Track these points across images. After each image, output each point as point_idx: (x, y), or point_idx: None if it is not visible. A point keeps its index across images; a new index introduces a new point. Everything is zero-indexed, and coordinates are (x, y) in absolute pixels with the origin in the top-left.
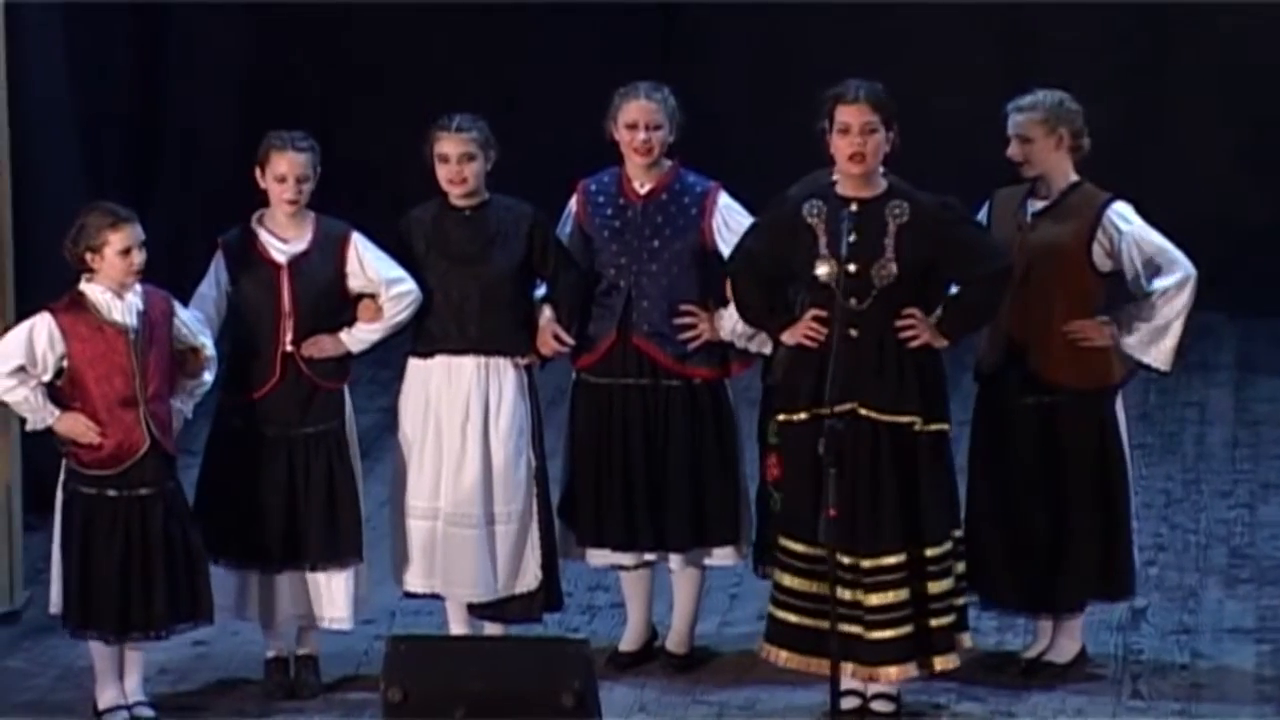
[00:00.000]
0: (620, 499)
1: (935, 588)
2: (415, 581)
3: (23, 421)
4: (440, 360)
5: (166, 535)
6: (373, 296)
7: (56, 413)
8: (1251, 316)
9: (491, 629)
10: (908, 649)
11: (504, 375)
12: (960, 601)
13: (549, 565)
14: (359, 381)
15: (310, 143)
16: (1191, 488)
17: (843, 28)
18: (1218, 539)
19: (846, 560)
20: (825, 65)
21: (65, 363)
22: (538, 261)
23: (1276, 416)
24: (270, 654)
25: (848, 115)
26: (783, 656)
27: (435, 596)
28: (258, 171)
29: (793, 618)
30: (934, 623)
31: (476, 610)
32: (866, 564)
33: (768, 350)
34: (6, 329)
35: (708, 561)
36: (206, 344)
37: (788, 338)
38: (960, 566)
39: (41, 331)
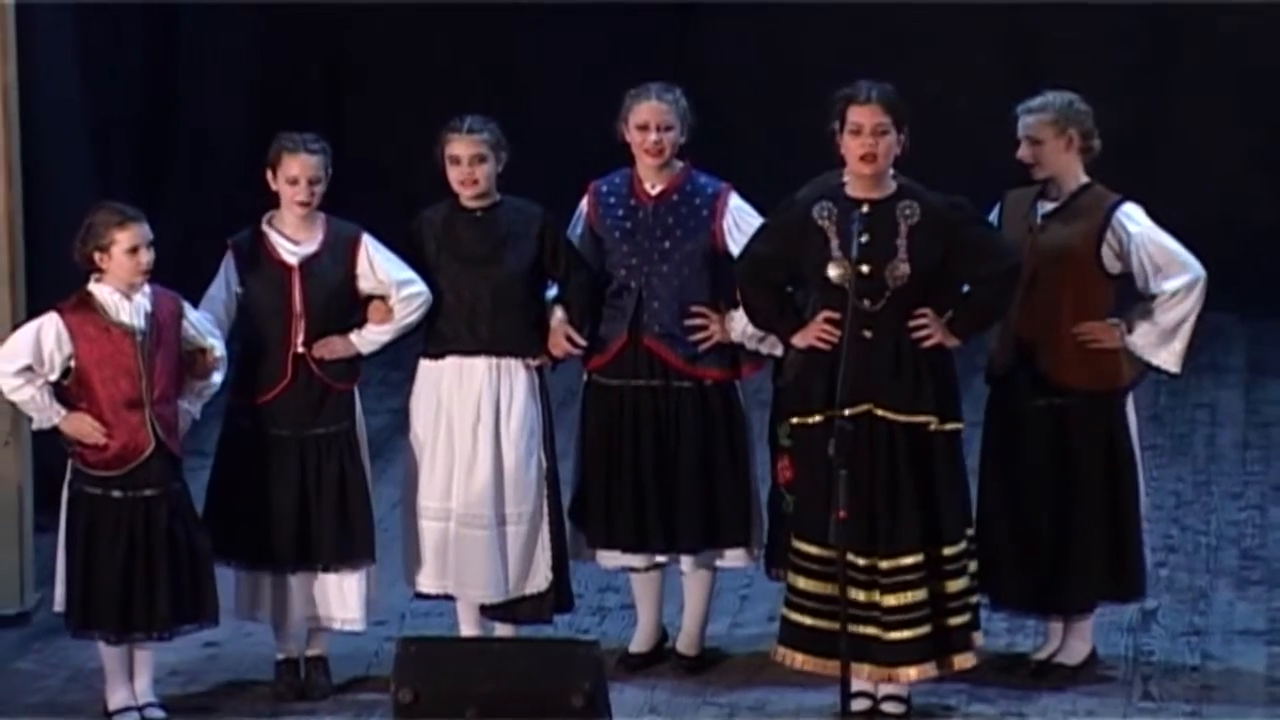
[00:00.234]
0: (631, 500)
1: (953, 586)
2: (427, 582)
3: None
4: (452, 361)
5: (171, 536)
6: (383, 298)
7: (63, 412)
8: (1262, 318)
9: (502, 630)
10: (926, 649)
11: (515, 376)
12: (974, 600)
13: (560, 566)
14: (369, 383)
15: (322, 145)
16: (1202, 489)
17: (852, 29)
18: (1228, 540)
19: (863, 561)
20: (835, 66)
21: (73, 363)
22: (549, 263)
23: None
24: (281, 655)
25: (860, 116)
26: (798, 660)
27: (447, 597)
28: (269, 174)
29: (808, 620)
30: (952, 621)
31: (488, 611)
32: (884, 565)
33: (778, 352)
34: (16, 329)
35: (718, 563)
36: (216, 345)
37: (799, 341)
38: (973, 565)
39: (49, 331)
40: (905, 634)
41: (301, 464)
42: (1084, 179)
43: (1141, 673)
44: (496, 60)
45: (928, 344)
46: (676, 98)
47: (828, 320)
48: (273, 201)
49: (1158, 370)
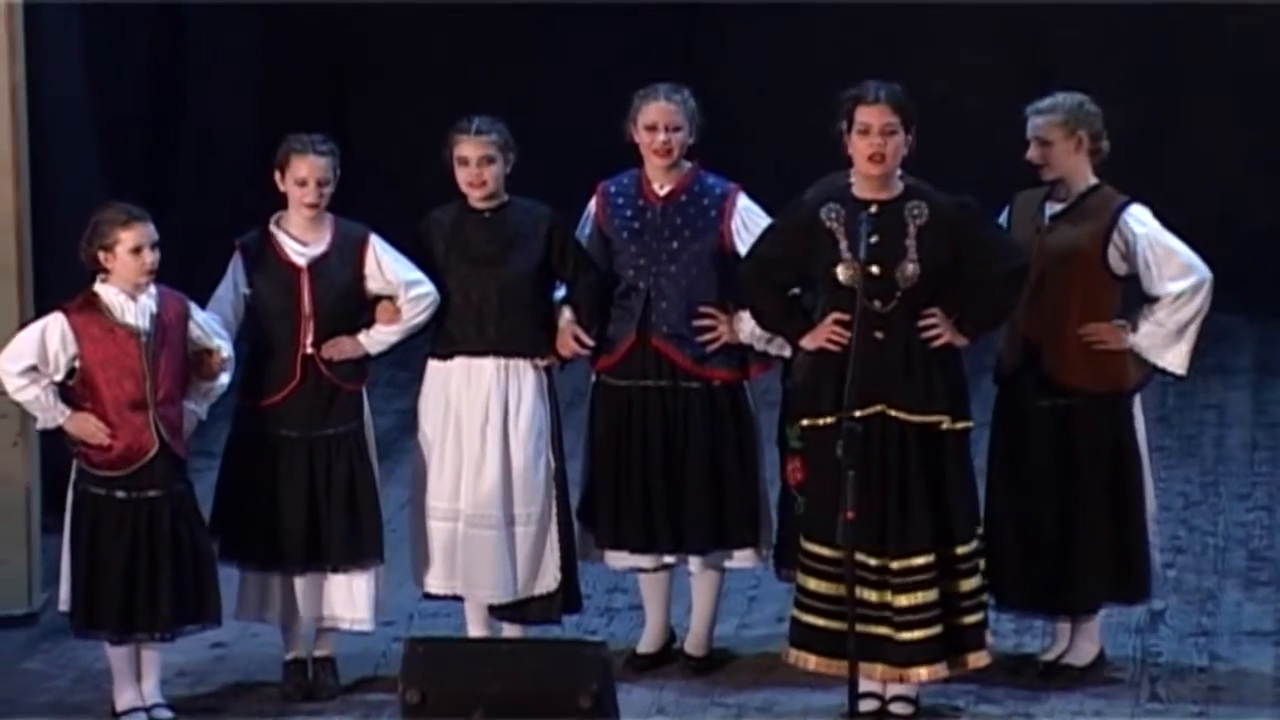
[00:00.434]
0: (639, 501)
1: (966, 585)
2: (435, 583)
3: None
4: (460, 362)
5: (174, 537)
6: (391, 298)
7: (67, 412)
8: (1270, 318)
9: (510, 630)
10: (937, 650)
11: (523, 377)
12: (986, 599)
13: (568, 567)
14: (376, 383)
15: (330, 146)
16: (1210, 490)
17: (861, 30)
18: (1236, 541)
19: (874, 562)
20: (844, 67)
21: (77, 363)
22: (557, 263)
23: None
24: (289, 656)
25: (868, 116)
26: (810, 661)
27: (455, 598)
28: (277, 175)
29: (820, 621)
30: (966, 620)
31: (496, 611)
32: (896, 565)
33: (787, 353)
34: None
35: (727, 564)
36: (223, 346)
37: (808, 343)
38: (982, 564)
39: (54, 331)
40: (917, 634)
41: (310, 465)
42: (1093, 180)
43: (1149, 674)
44: (504, 60)
45: (937, 344)
46: (685, 98)
47: (837, 322)
48: (280, 202)
49: (1164, 372)
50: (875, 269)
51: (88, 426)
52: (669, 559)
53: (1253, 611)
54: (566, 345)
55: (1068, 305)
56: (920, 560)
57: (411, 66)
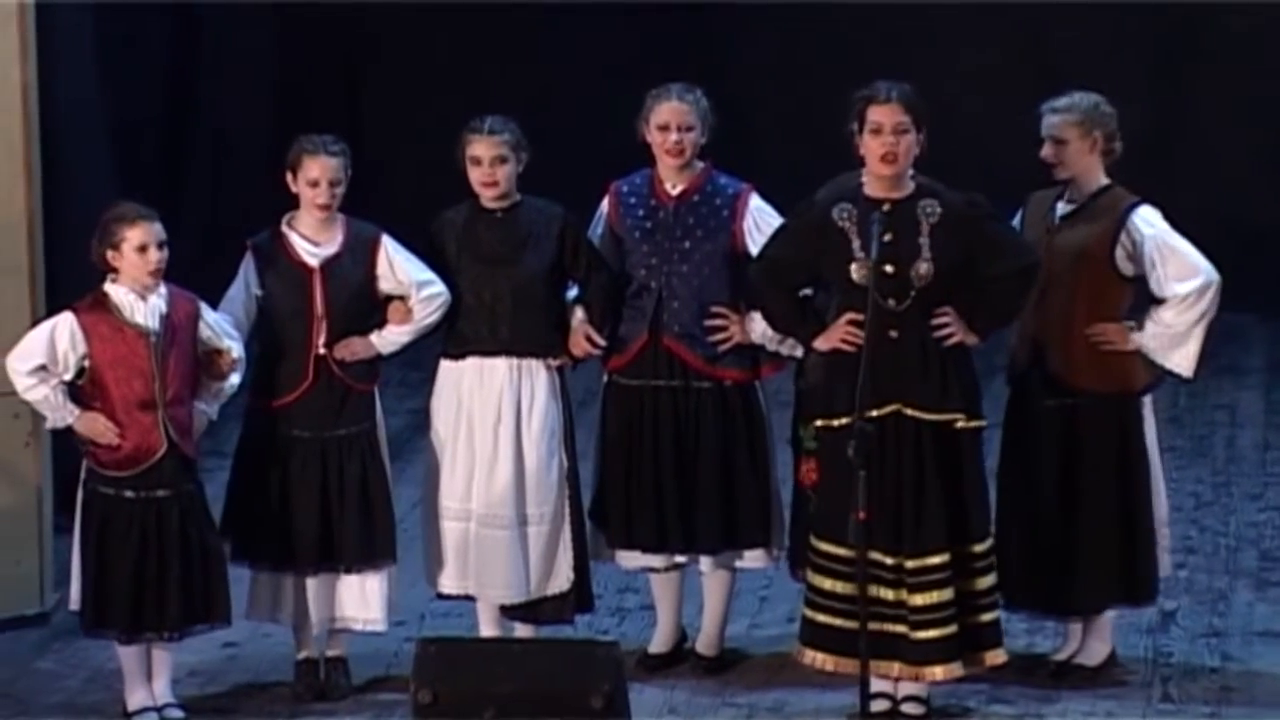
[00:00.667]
0: (651, 501)
1: (982, 583)
2: (448, 583)
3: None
4: (472, 362)
5: (183, 537)
6: (403, 299)
7: (76, 412)
8: None
9: (522, 630)
10: (953, 649)
11: (536, 377)
12: (998, 597)
13: (580, 567)
14: (388, 384)
15: (341, 146)
16: (1222, 490)
17: (872, 30)
18: (1248, 542)
19: (890, 561)
20: (855, 67)
21: (87, 362)
22: (569, 263)
23: None
24: (300, 656)
25: (880, 115)
26: (822, 660)
27: (467, 598)
28: (289, 176)
29: (837, 621)
30: (983, 619)
31: (508, 611)
32: (911, 564)
33: (799, 354)
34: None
35: (738, 564)
36: (234, 347)
37: (821, 344)
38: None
39: (63, 331)
40: (932, 633)
41: (323, 465)
42: (1104, 181)
43: (1161, 674)
44: (517, 60)
45: (949, 342)
46: (697, 98)
47: (850, 322)
48: (293, 202)
49: (1171, 374)
50: (889, 267)
51: (97, 426)
52: (680, 559)
53: (1265, 612)
54: (579, 345)
55: (1075, 305)
56: (936, 559)
57: (424, 67)
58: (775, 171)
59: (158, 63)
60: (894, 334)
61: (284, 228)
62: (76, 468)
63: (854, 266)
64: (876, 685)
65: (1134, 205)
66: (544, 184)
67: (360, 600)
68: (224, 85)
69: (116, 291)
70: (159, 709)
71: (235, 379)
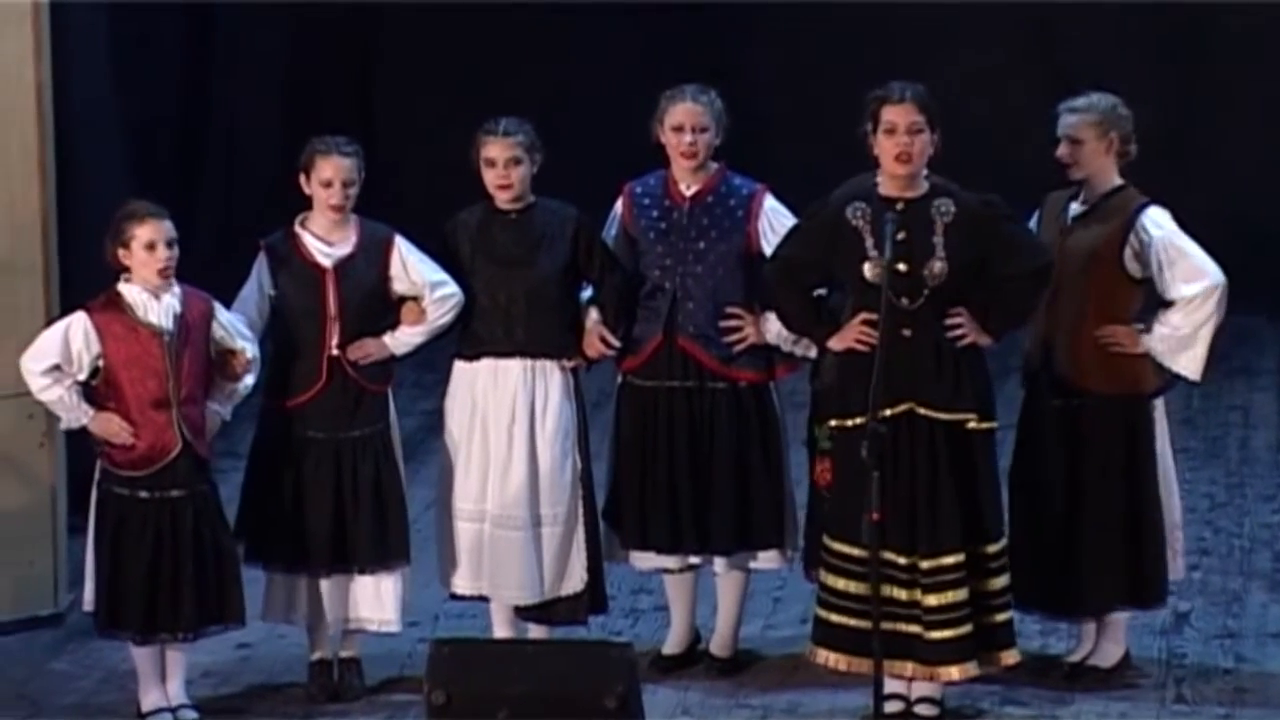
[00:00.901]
0: (665, 502)
1: (996, 584)
2: (462, 583)
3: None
4: (486, 363)
5: (197, 537)
6: (416, 299)
7: (91, 412)
8: None
9: (536, 631)
10: (967, 649)
11: (550, 378)
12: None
13: (594, 567)
14: (402, 385)
15: (355, 147)
16: (1235, 492)
17: (886, 31)
18: (1261, 543)
19: (904, 561)
20: (869, 68)
21: (101, 362)
22: (583, 264)
23: None
24: (314, 657)
25: (894, 115)
26: (835, 659)
27: (481, 598)
28: (302, 177)
29: (850, 620)
30: (998, 618)
31: (522, 612)
32: (925, 565)
33: (813, 354)
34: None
35: (752, 565)
36: (248, 347)
37: (836, 344)
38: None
39: (77, 331)
40: (947, 633)
41: (337, 466)
42: (1117, 181)
43: (1174, 675)
44: (531, 61)
45: (963, 343)
46: (712, 99)
47: (865, 322)
48: (306, 202)
49: (1179, 376)
50: (903, 266)
51: (111, 426)
52: (694, 560)
53: (1278, 613)
54: (593, 346)
55: (1085, 306)
56: (950, 560)
57: (436, 68)
58: (789, 172)
59: (172, 63)
60: (907, 333)
61: (297, 228)
62: (91, 468)
63: (868, 265)
64: (890, 686)
65: (1143, 206)
66: (558, 185)
67: (374, 601)
68: (238, 85)
69: (130, 291)
70: (173, 710)
71: (250, 380)
